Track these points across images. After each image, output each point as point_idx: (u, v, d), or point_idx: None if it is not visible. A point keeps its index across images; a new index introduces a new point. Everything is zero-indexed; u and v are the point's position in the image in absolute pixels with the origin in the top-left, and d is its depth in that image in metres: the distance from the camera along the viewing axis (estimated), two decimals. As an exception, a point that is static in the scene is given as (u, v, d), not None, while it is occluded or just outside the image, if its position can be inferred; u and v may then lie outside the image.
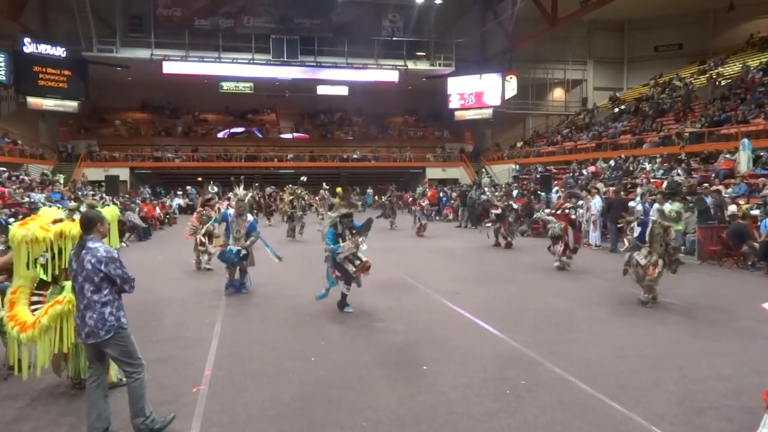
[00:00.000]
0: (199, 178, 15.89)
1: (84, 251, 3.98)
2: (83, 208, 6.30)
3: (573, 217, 11.78)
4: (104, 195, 14.95)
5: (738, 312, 7.83)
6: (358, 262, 7.69)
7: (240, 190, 9.60)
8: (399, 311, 7.98)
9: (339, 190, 22.90)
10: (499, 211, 15.37)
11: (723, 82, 24.47)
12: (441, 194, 28.18)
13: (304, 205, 18.00)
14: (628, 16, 35.36)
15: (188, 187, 30.69)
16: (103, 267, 3.94)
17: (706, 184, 15.22)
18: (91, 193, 18.23)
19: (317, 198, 22.65)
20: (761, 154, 16.51)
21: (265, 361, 5.82)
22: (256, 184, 23.98)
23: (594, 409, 4.60)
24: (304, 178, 19.65)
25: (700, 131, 20.48)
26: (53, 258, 4.78)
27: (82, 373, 4.89)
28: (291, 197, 17.61)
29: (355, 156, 35.82)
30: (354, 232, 7.84)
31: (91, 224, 4.09)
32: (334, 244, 7.76)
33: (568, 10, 28.60)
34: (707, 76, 26.60)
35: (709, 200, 13.35)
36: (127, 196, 24.10)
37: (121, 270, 4.04)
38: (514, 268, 12.14)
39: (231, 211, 9.29)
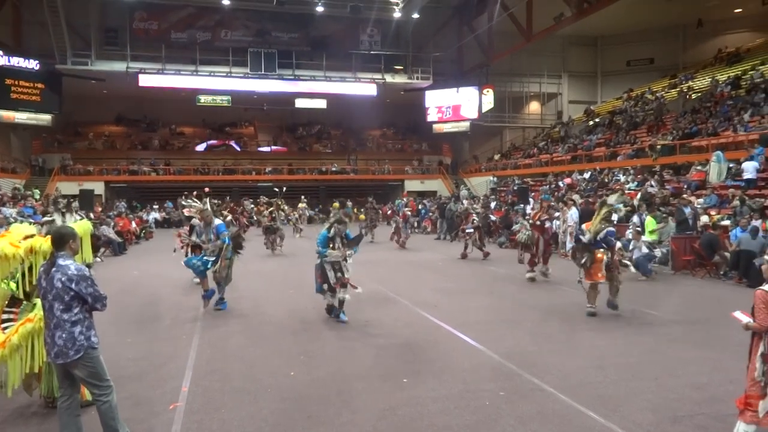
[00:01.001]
0: (206, 189, 15.87)
1: (54, 269, 3.88)
2: (58, 222, 6.19)
3: (547, 226, 12.06)
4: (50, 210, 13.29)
5: (711, 321, 7.99)
6: (339, 275, 7.98)
7: (199, 203, 9.68)
8: (378, 324, 7.97)
9: (335, 205, 23.00)
10: (476, 221, 15.58)
11: (693, 96, 25.08)
12: (420, 206, 28.30)
13: (283, 217, 17.85)
14: (601, 32, 36.12)
15: (192, 196, 29.93)
16: (74, 285, 3.84)
17: (684, 195, 15.55)
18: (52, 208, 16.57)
19: (296, 214, 22.48)
20: (730, 165, 16.92)
21: (243, 377, 5.76)
22: (228, 198, 23.74)
23: (572, 420, 4.64)
24: (283, 188, 19.51)
25: (672, 143, 20.94)
26: (23, 276, 4.68)
27: (56, 392, 4.76)
28: (270, 209, 17.48)
29: (333, 169, 35.81)
30: (345, 242, 8.11)
31: (62, 241, 3.99)
32: (323, 248, 7.98)
33: (542, 26, 29.13)
34: (678, 89, 27.24)
35: (687, 211, 13.61)
36: (100, 210, 23.63)
37: (93, 288, 3.94)
38: (491, 279, 12.22)
39: (197, 222, 9.29)
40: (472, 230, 15.56)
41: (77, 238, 4.17)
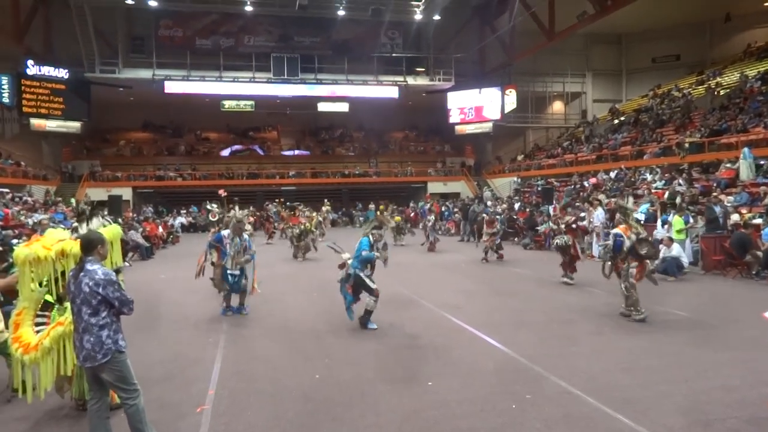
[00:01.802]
0: (222, 191, 15.91)
1: (82, 273, 3.96)
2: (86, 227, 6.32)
3: (580, 224, 11.85)
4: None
5: (743, 322, 7.80)
6: (374, 285, 7.90)
7: (237, 211, 9.61)
8: (402, 326, 7.96)
9: (381, 207, 23.54)
10: (499, 228, 15.47)
11: (722, 92, 24.57)
12: (443, 208, 28.21)
13: (312, 236, 17.44)
14: (625, 29, 35.61)
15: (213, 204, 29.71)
16: (101, 290, 3.91)
17: (715, 194, 15.22)
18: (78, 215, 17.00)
19: (321, 217, 22.37)
20: (761, 162, 16.52)
21: (268, 379, 5.81)
22: (251, 208, 23.84)
23: (600, 423, 4.57)
24: (305, 209, 19.61)
25: (701, 141, 20.52)
26: (56, 281, 4.78)
27: (86, 395, 4.87)
28: (299, 230, 17.12)
29: (356, 171, 35.92)
30: (381, 248, 8.20)
31: (91, 246, 4.07)
32: (370, 252, 7.92)
33: (565, 24, 28.81)
34: (705, 86, 26.70)
35: (717, 209, 13.32)
36: (130, 215, 24.08)
37: (120, 293, 4.00)
38: (516, 281, 12.13)
39: (225, 232, 9.21)
40: (498, 239, 15.37)
41: (106, 243, 4.26)
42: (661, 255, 11.77)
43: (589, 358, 6.31)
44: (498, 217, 15.80)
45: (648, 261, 8.24)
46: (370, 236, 8.10)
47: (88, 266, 3.97)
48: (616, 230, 8.40)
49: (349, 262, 7.99)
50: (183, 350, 7.00)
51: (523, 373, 5.83)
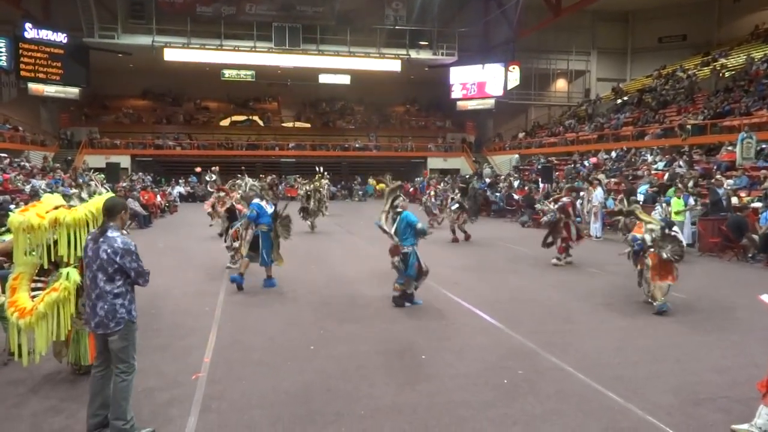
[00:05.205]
0: (214, 168, 15.71)
1: (102, 239, 3.91)
2: (84, 195, 6.30)
3: (570, 208, 11.54)
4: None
5: (737, 304, 7.84)
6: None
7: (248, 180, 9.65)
8: (398, 301, 7.99)
9: (381, 186, 20.72)
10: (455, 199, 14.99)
11: (727, 74, 24.34)
12: (441, 185, 28.16)
13: (321, 198, 16.90)
14: (633, 7, 35.08)
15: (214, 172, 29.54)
16: (118, 258, 3.88)
17: (719, 176, 15.17)
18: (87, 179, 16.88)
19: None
20: (763, 146, 16.43)
21: (264, 350, 5.85)
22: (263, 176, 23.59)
23: (591, 400, 4.62)
24: (320, 168, 18.31)
25: (703, 123, 20.40)
26: (49, 248, 4.76)
27: (82, 360, 4.92)
28: (307, 190, 16.95)
29: (356, 145, 35.74)
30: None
31: (114, 211, 4.03)
32: (423, 225, 7.58)
33: (572, 0, 28.36)
34: (711, 67, 26.44)
35: (721, 192, 13.29)
36: (124, 183, 23.98)
37: (137, 263, 3.98)
38: (513, 259, 12.15)
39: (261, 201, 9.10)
40: (456, 207, 14.86)
41: (128, 210, 4.23)
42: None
43: (583, 336, 6.36)
44: (453, 196, 15.11)
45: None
46: (402, 207, 7.64)
47: (109, 233, 3.94)
48: (632, 234, 8.00)
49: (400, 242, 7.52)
50: (180, 319, 7.04)
51: (517, 350, 5.88)
